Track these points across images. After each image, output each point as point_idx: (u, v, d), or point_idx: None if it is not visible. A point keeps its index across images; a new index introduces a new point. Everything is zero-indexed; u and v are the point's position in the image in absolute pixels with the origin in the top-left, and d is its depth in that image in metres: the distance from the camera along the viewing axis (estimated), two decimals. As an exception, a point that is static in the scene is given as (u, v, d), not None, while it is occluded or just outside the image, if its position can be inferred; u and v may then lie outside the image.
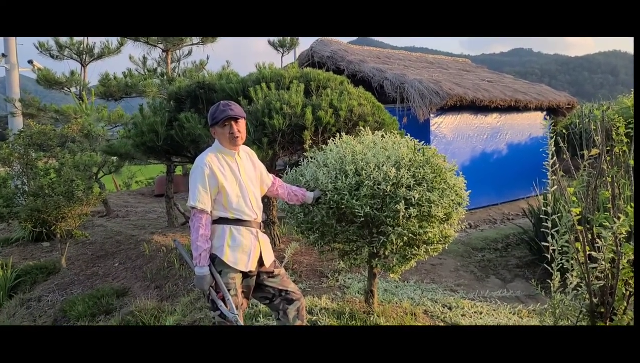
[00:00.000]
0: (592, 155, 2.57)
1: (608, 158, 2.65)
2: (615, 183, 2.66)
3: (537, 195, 6.45)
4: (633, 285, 2.59)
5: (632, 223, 2.33)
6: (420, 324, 3.88)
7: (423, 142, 3.73)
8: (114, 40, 13.61)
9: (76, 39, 13.24)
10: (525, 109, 9.87)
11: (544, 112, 10.59)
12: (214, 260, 2.85)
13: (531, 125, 10.26)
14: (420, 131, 8.13)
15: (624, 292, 2.55)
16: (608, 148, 2.71)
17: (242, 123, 2.97)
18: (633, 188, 2.49)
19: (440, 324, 4.01)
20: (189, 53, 14.75)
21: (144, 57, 14.53)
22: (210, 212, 2.86)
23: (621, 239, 2.45)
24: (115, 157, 9.28)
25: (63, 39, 13.07)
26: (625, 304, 2.56)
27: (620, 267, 2.49)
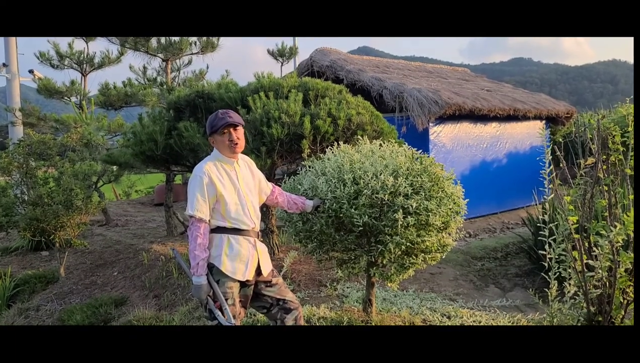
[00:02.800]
0: (588, 165, 2.57)
1: (604, 167, 2.66)
2: (612, 192, 2.67)
3: (536, 204, 6.45)
4: (631, 293, 2.59)
5: (630, 231, 2.33)
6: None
7: (421, 151, 3.73)
8: (114, 50, 13.67)
9: (76, 48, 13.32)
10: (525, 118, 9.90)
11: (543, 121, 10.62)
12: (212, 270, 2.84)
13: (530, 134, 10.28)
14: (420, 140, 8.15)
15: (622, 300, 2.54)
16: (604, 157, 2.71)
17: (240, 130, 2.98)
18: (633, 191, 2.49)
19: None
20: (189, 62, 14.79)
21: (144, 67, 14.55)
22: (209, 221, 2.86)
23: (618, 247, 2.44)
24: (115, 166, 9.30)
25: (63, 48, 13.14)
26: (623, 313, 2.55)
27: (618, 275, 2.48)
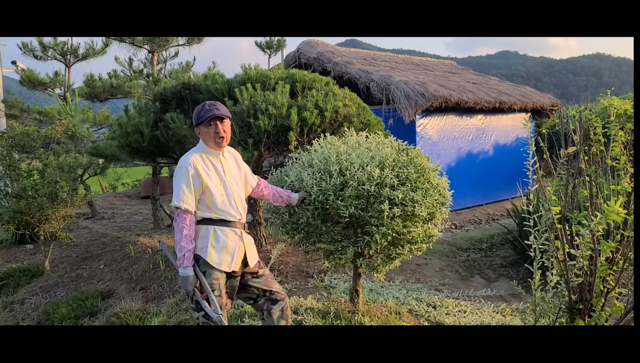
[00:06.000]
0: (568, 154, 2.62)
1: (586, 158, 2.70)
2: (593, 183, 2.72)
3: (521, 196, 6.53)
4: (612, 281, 2.64)
5: (610, 220, 2.37)
6: (404, 323, 3.91)
7: (407, 142, 3.76)
8: (99, 41, 13.51)
9: (60, 39, 13.13)
10: (510, 110, 9.99)
11: (529, 114, 10.72)
12: (198, 261, 2.85)
13: (516, 126, 10.38)
14: (406, 132, 8.19)
15: (602, 288, 2.60)
16: (586, 148, 2.76)
17: (227, 123, 2.97)
18: (633, 189, 2.53)
19: (424, 323, 4.04)
20: (176, 54, 14.69)
21: (130, 58, 14.41)
22: (195, 212, 2.86)
23: (599, 237, 2.49)
24: (101, 159, 9.23)
25: (47, 39, 12.95)
26: (603, 300, 2.61)
27: (598, 264, 2.53)
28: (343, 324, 3.77)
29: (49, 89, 13.07)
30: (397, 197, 3.28)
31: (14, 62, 13.82)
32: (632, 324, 2.60)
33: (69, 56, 13.37)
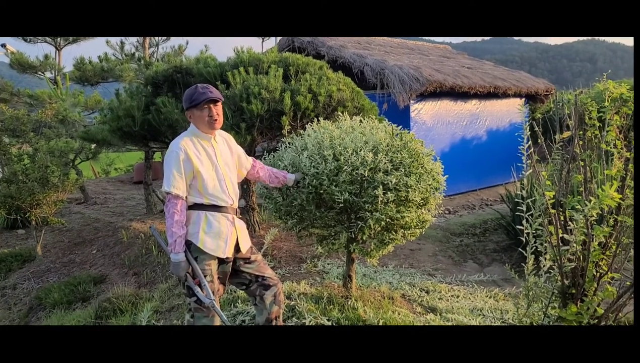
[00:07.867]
0: (563, 138, 2.60)
1: (581, 142, 2.68)
2: (588, 167, 2.70)
3: (515, 181, 6.53)
4: (604, 266, 2.65)
5: (604, 205, 2.36)
6: (397, 308, 3.92)
7: (401, 127, 3.72)
8: (89, 24, 13.30)
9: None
10: (504, 95, 9.96)
11: (523, 99, 10.70)
12: (190, 247, 2.81)
13: (510, 111, 10.36)
14: (401, 117, 8.15)
15: (594, 273, 2.60)
16: (581, 133, 2.74)
17: (220, 106, 2.93)
18: (633, 184, 2.52)
19: (417, 308, 4.05)
20: (167, 38, 14.51)
21: (122, 42, 14.24)
22: (186, 197, 2.82)
23: (592, 222, 2.49)
24: (93, 144, 9.14)
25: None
26: (595, 285, 2.61)
27: (591, 249, 2.53)
28: (336, 309, 3.77)
29: (40, 73, 12.91)
30: (391, 182, 3.25)
31: (3, 45, 13.60)
32: (624, 310, 2.61)
33: (59, 39, 13.18)
